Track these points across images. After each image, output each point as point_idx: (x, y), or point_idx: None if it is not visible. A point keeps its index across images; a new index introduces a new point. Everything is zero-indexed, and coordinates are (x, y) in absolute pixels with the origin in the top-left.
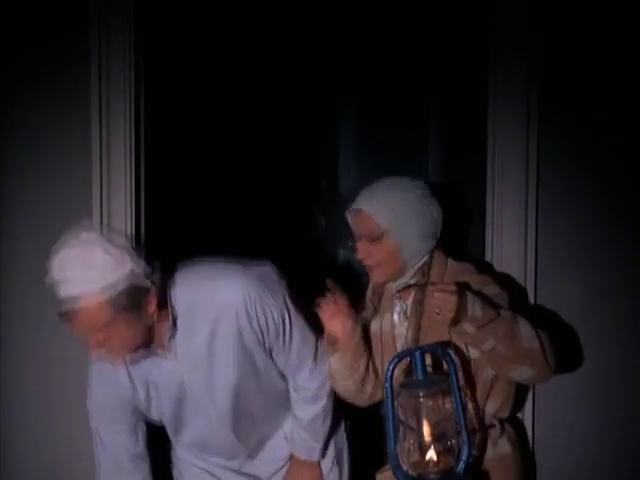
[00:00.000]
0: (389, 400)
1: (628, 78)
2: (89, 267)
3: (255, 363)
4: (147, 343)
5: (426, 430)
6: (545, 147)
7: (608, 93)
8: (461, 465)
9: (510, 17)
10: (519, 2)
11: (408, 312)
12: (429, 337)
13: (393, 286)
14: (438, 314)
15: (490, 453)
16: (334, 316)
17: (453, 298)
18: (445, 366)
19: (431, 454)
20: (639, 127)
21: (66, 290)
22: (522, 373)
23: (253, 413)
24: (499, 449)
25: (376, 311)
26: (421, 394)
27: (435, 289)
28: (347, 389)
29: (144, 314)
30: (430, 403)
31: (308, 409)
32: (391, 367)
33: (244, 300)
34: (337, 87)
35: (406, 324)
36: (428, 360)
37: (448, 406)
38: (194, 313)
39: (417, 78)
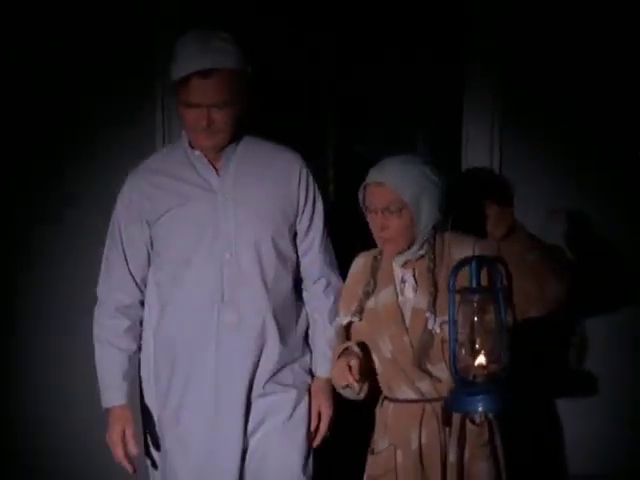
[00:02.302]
0: (451, 307)
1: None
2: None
3: (282, 233)
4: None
5: (478, 336)
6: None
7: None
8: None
9: (482, 43)
10: (490, 26)
11: (417, 280)
12: (440, 300)
13: (398, 259)
14: (496, 226)
15: None
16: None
17: (511, 210)
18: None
19: (481, 359)
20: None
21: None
22: (556, 288)
23: (265, 282)
24: None
25: (375, 286)
26: (475, 300)
27: (491, 203)
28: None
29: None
30: (482, 311)
31: (325, 302)
32: (453, 274)
33: (303, 165)
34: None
35: (414, 291)
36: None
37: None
38: (256, 156)
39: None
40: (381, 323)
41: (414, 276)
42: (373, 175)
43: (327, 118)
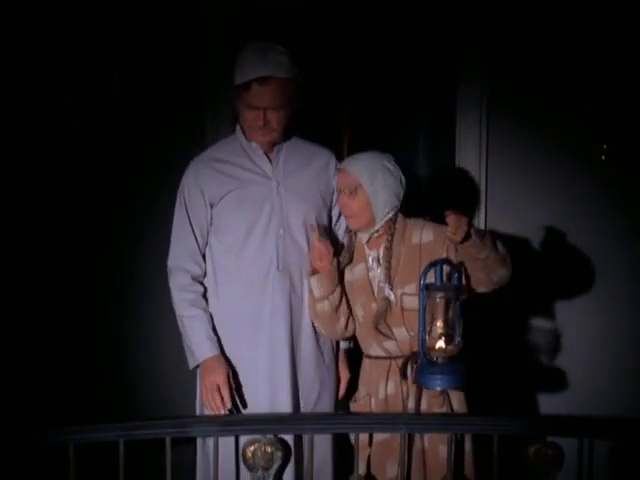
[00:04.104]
0: (422, 301)
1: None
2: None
3: (322, 215)
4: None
5: (439, 324)
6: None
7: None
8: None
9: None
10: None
11: (380, 257)
12: (399, 275)
13: (363, 236)
14: (454, 234)
15: None
16: (320, 254)
17: (466, 219)
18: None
19: (440, 343)
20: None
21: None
22: (501, 274)
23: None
24: None
25: (351, 261)
26: (438, 295)
27: (450, 213)
28: (324, 312)
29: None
30: (444, 303)
31: None
32: (424, 274)
33: (336, 161)
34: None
35: (379, 267)
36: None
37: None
38: (300, 151)
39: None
40: (355, 293)
41: (378, 255)
42: (341, 163)
43: (342, 121)
